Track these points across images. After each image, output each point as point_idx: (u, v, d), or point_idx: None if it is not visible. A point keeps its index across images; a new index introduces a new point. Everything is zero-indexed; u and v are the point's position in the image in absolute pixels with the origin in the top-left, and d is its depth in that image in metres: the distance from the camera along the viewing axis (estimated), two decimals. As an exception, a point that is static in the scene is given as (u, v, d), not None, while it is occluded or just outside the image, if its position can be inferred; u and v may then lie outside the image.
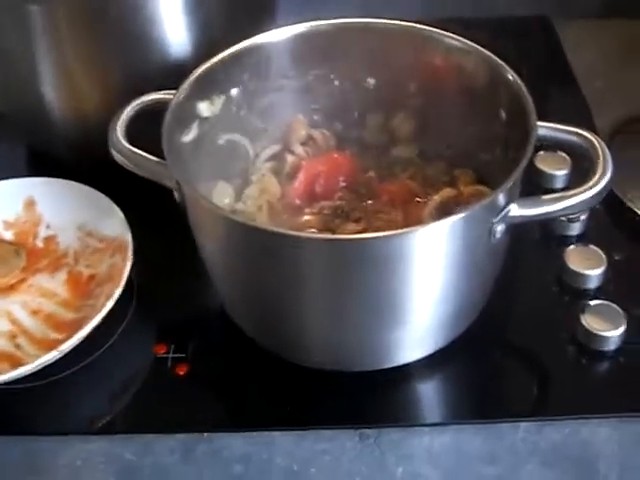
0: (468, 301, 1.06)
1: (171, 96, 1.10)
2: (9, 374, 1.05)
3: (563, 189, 1.32)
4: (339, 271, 0.96)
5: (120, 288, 1.12)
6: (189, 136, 1.12)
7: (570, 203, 0.97)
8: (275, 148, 1.25)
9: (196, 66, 1.14)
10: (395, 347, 1.06)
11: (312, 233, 0.99)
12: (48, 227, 1.28)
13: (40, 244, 1.27)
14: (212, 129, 1.16)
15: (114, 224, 1.20)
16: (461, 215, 0.93)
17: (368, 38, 1.20)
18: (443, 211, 1.16)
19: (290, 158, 1.23)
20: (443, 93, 1.20)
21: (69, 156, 1.35)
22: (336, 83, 1.23)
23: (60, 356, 1.07)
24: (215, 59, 1.14)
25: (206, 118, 1.15)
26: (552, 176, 1.32)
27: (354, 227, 1.15)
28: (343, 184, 1.21)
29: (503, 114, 1.12)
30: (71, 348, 1.08)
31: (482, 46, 1.14)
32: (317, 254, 0.95)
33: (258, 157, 1.24)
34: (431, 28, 1.17)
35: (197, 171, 1.13)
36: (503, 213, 0.96)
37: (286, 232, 0.93)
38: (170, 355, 1.14)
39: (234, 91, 1.18)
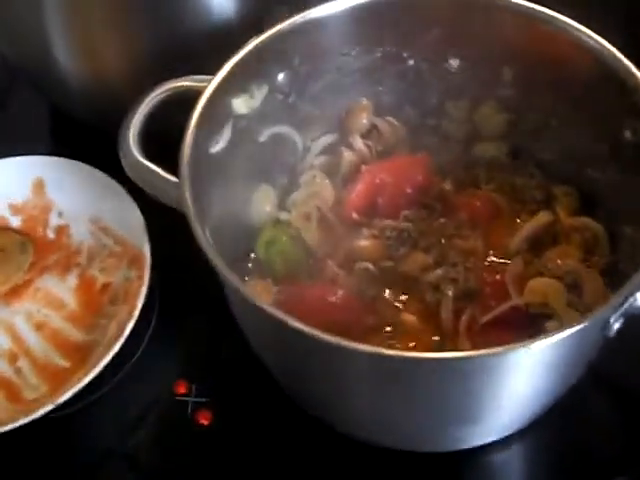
0: (560, 393, 0.85)
1: (199, 84, 0.88)
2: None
3: None
4: (410, 385, 0.75)
5: (133, 320, 0.93)
6: (219, 144, 0.89)
7: None
8: (330, 138, 1.01)
9: (239, 35, 0.90)
10: (465, 436, 0.86)
11: (376, 348, 0.74)
12: (60, 215, 1.08)
13: (51, 235, 1.08)
14: (251, 125, 0.93)
15: (133, 226, 1.01)
16: (573, 330, 0.70)
17: (454, 10, 0.94)
18: (535, 242, 0.93)
19: (348, 155, 1.00)
20: (546, 85, 0.94)
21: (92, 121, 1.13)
22: (410, 63, 0.98)
23: (55, 407, 0.89)
24: (254, 42, 0.90)
25: (243, 115, 0.91)
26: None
27: (422, 259, 0.93)
28: (411, 197, 0.96)
29: (627, 129, 0.86)
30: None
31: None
32: (383, 369, 0.74)
33: (309, 151, 1.01)
34: (539, 7, 0.90)
35: (232, 176, 0.92)
36: (626, 306, 0.72)
37: (344, 344, 0.71)
38: (192, 399, 0.96)
39: (280, 76, 0.94)
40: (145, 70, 1.03)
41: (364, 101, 1.00)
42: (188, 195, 0.80)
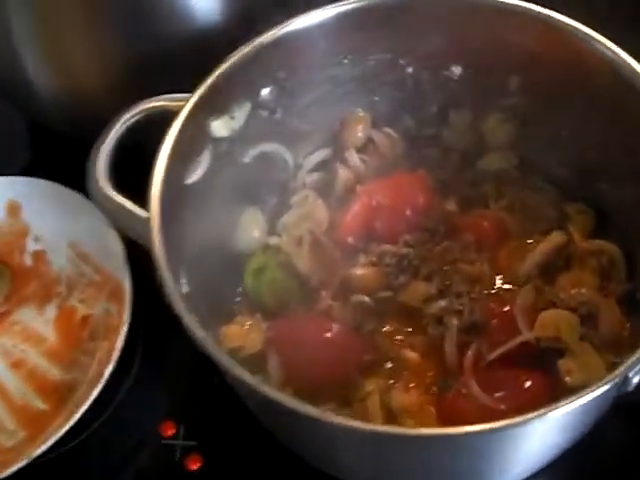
0: (573, 443, 0.77)
1: (175, 104, 0.80)
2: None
3: None
4: (408, 457, 0.68)
5: (114, 360, 0.86)
6: (197, 172, 0.81)
7: None
8: (323, 154, 0.94)
9: (223, 47, 0.82)
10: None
11: (377, 426, 0.67)
12: (37, 240, 1.01)
13: (28, 261, 1.01)
14: (233, 147, 0.86)
15: (113, 254, 0.93)
16: (589, 397, 0.62)
17: (455, 15, 0.85)
18: (547, 267, 0.85)
19: (343, 172, 0.92)
20: (557, 94, 0.86)
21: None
22: (408, 70, 0.90)
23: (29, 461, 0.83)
24: (233, 57, 0.82)
25: (223, 138, 0.83)
26: None
27: (424, 289, 0.85)
28: (411, 219, 0.88)
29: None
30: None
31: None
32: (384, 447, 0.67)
33: (301, 168, 0.93)
34: (550, 12, 0.81)
35: (214, 202, 0.85)
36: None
37: (342, 423, 0.64)
38: (180, 442, 0.89)
39: (264, 92, 0.85)
40: (122, 79, 0.96)
41: (360, 112, 0.93)
42: (156, 234, 0.72)
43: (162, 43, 0.94)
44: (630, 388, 0.67)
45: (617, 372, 0.64)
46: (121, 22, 0.93)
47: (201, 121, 0.81)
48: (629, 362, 0.64)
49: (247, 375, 0.67)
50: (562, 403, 0.62)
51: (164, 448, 0.88)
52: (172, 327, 0.87)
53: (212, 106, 0.81)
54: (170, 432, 0.89)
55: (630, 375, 0.66)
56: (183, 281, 0.75)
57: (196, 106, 0.80)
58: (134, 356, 0.93)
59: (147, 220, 0.74)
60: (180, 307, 0.68)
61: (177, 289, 0.70)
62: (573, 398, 0.62)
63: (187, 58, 0.92)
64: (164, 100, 0.82)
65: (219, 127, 0.82)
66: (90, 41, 0.96)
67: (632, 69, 0.77)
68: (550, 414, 0.62)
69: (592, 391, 0.63)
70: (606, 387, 0.63)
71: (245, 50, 0.82)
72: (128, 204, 0.76)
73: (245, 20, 0.95)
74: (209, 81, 0.80)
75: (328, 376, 0.82)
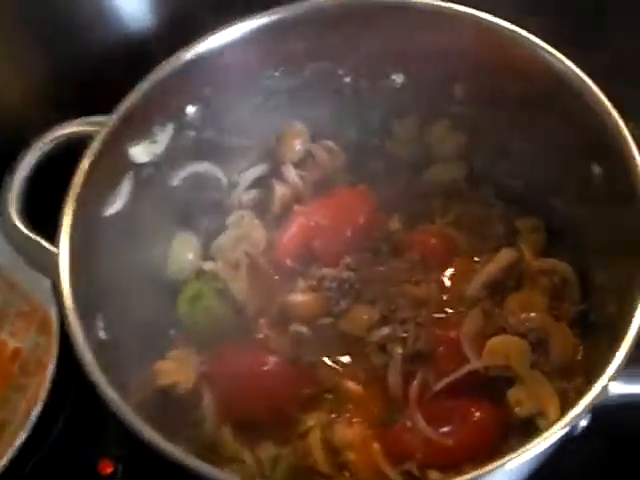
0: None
1: (91, 129, 0.74)
2: None
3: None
4: None
5: (43, 399, 0.81)
6: (117, 203, 0.75)
7: None
8: (259, 170, 0.88)
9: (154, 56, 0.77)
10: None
11: None
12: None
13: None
14: (159, 171, 0.80)
15: (40, 282, 0.87)
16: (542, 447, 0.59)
17: (394, 19, 0.80)
18: (496, 287, 0.80)
19: (280, 190, 0.87)
20: (504, 103, 0.81)
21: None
22: (346, 80, 0.84)
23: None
24: (152, 77, 0.76)
25: (145, 163, 0.77)
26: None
27: (367, 314, 0.80)
28: (352, 240, 0.83)
29: (594, 161, 0.74)
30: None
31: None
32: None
33: (236, 186, 0.87)
34: (484, 15, 0.76)
35: (139, 230, 0.80)
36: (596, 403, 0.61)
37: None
38: None
39: (190, 111, 0.80)
40: (45, 97, 0.91)
41: (297, 125, 0.87)
42: (64, 272, 0.67)
43: (89, 59, 0.89)
44: (577, 432, 0.63)
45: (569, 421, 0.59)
46: (43, 37, 0.88)
47: (120, 147, 0.75)
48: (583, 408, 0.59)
49: (147, 431, 0.64)
50: (515, 455, 0.59)
51: (103, 488, 0.83)
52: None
53: (131, 130, 0.75)
54: (108, 470, 0.85)
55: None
56: (100, 324, 0.70)
57: (113, 131, 0.74)
58: (68, 393, 0.87)
59: (55, 256, 0.68)
60: (87, 361, 0.63)
61: (88, 336, 0.65)
62: (526, 450, 0.58)
63: (116, 72, 0.87)
64: (81, 124, 0.76)
65: (140, 153, 0.77)
66: (10, 57, 0.90)
67: (576, 75, 0.72)
68: (507, 465, 0.58)
69: (542, 442, 0.59)
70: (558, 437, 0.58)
71: (164, 68, 0.76)
72: (36, 238, 0.71)
73: (181, 27, 0.89)
74: (126, 103, 0.74)
75: (266, 411, 0.78)
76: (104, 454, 0.86)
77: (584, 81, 0.72)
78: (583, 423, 0.63)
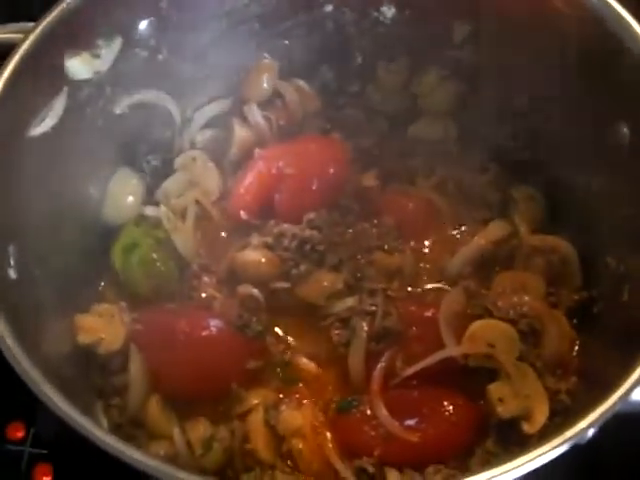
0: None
1: (14, 36, 0.64)
2: None
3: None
4: None
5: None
6: (46, 122, 0.64)
7: None
8: (219, 106, 0.79)
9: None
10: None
11: None
12: None
13: None
14: (100, 93, 0.70)
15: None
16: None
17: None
18: (483, 262, 0.70)
19: (240, 131, 0.77)
20: (512, 47, 0.71)
21: None
22: (327, 9, 0.74)
23: None
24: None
25: (84, 81, 0.65)
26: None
27: (330, 281, 0.70)
28: (319, 194, 0.72)
29: (623, 120, 0.64)
30: None
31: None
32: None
33: (189, 123, 0.77)
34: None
35: (71, 161, 0.69)
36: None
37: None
38: (27, 449, 0.75)
39: (142, 25, 0.68)
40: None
41: (266, 59, 0.76)
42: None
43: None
44: (584, 441, 0.53)
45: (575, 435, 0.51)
46: None
47: (52, 58, 0.64)
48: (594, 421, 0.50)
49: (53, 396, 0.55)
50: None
51: (9, 454, 0.75)
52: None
53: (67, 39, 0.64)
54: (18, 435, 0.76)
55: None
56: (10, 260, 0.59)
57: (43, 38, 0.63)
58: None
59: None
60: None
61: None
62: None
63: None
64: (7, 31, 0.65)
65: (77, 67, 0.66)
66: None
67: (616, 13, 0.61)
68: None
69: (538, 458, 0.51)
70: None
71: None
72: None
73: None
74: (60, 7, 0.63)
75: (203, 384, 0.68)
76: (15, 418, 0.77)
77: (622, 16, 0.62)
78: (590, 432, 0.52)
